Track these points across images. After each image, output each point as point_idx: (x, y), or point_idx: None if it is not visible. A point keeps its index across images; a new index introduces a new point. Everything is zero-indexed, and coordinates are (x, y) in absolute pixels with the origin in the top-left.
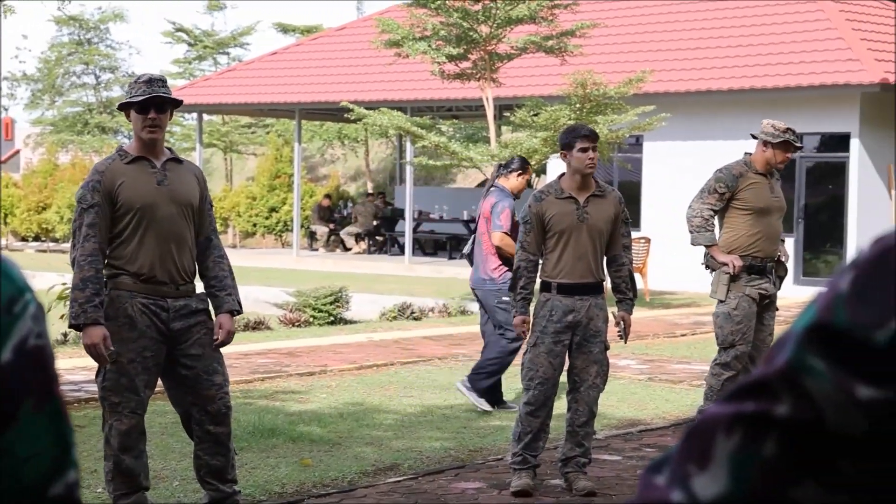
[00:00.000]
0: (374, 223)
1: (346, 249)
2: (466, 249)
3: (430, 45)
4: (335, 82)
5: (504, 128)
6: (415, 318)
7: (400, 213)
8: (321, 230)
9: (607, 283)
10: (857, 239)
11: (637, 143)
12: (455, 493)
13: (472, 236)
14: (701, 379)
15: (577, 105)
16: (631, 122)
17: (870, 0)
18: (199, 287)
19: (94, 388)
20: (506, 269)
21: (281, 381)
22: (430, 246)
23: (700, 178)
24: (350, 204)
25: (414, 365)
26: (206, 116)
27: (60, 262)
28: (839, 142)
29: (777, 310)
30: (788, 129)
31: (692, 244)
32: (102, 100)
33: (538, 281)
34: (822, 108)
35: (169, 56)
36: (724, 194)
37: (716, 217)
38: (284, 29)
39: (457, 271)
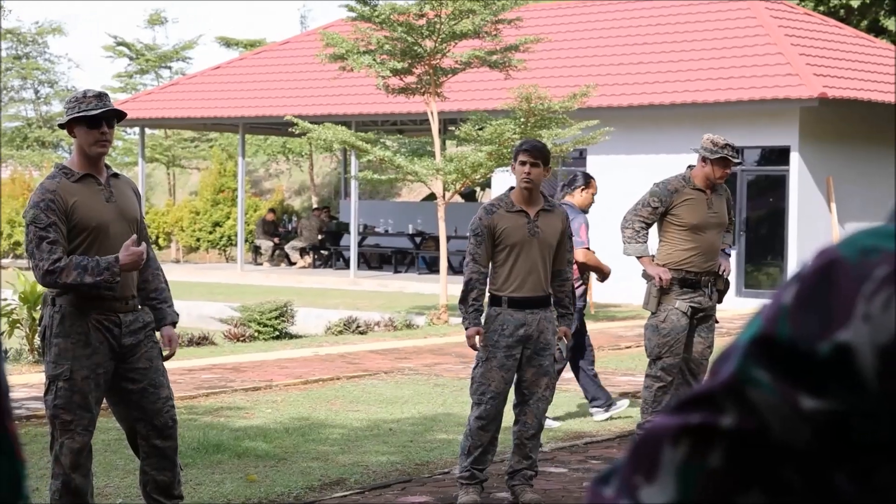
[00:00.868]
0: (319, 237)
1: (291, 264)
2: None
3: (374, 59)
4: (279, 96)
5: (449, 142)
6: (360, 333)
7: (345, 227)
8: (266, 244)
9: None
10: (798, 251)
11: (581, 157)
12: None
13: None
14: None
15: (522, 119)
16: (575, 136)
17: (809, 16)
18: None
19: (36, 405)
20: (580, 281)
21: (226, 397)
22: (376, 260)
23: (643, 192)
24: (294, 218)
25: (360, 379)
26: (148, 130)
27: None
28: (779, 155)
29: (717, 322)
30: (727, 144)
31: (623, 254)
32: (42, 114)
33: (487, 294)
34: (762, 122)
35: (110, 70)
36: (657, 208)
37: (648, 229)
38: (227, 43)
39: (402, 285)
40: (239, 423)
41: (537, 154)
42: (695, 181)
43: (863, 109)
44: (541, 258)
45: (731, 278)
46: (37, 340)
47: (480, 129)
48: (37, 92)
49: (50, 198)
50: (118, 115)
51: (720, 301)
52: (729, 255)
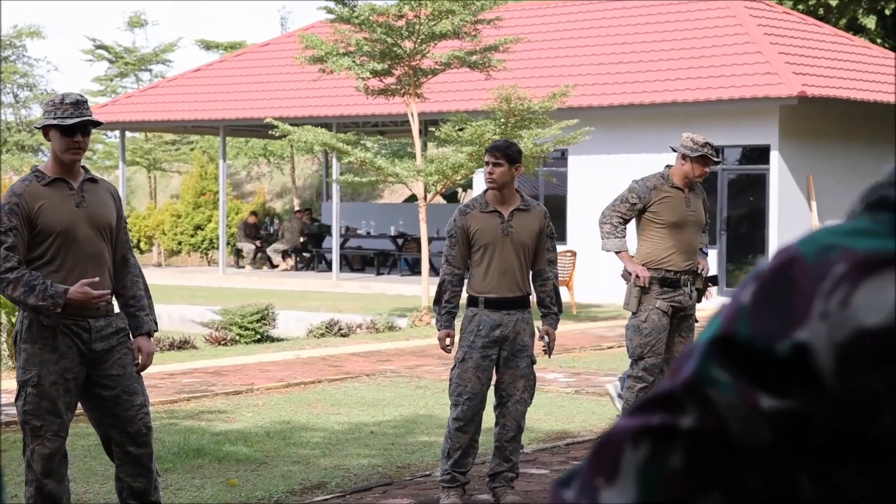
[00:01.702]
0: (301, 240)
1: (273, 266)
2: None
3: (354, 61)
4: (260, 98)
5: (429, 143)
6: (342, 335)
7: (327, 230)
8: (247, 247)
9: (534, 297)
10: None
11: (562, 157)
12: None
13: None
14: None
15: (502, 120)
16: (555, 136)
17: (787, 14)
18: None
19: (14, 411)
20: None
21: (207, 401)
22: (358, 262)
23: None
24: (276, 221)
25: (341, 382)
26: (128, 134)
27: None
28: (759, 154)
29: (697, 322)
30: (707, 143)
31: (602, 249)
32: (21, 118)
33: (464, 295)
34: (742, 121)
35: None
36: (635, 205)
37: (626, 225)
38: (207, 45)
39: (384, 287)
40: (220, 427)
41: (499, 154)
42: (673, 179)
43: (842, 107)
44: (516, 258)
45: None
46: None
47: (460, 129)
48: (15, 96)
49: (15, 201)
50: (94, 124)
51: (699, 300)
52: (707, 255)
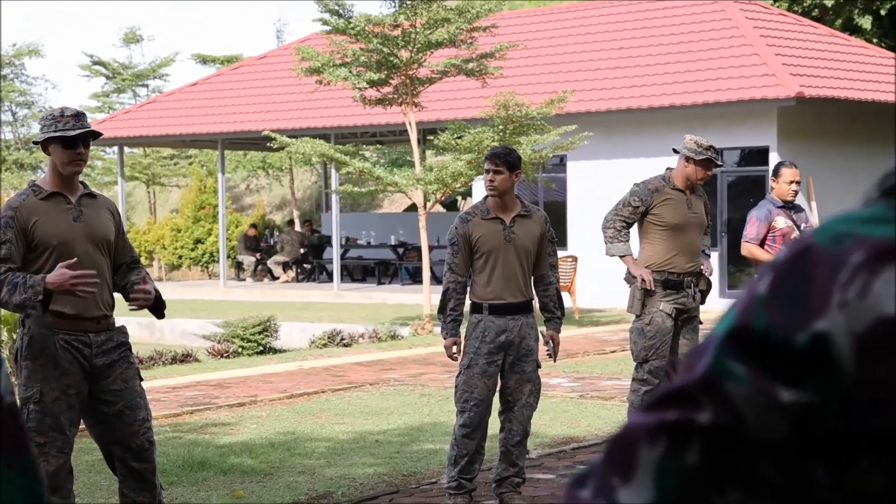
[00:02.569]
0: (302, 251)
1: (274, 278)
2: None
3: (350, 71)
4: (257, 111)
5: (428, 152)
6: (345, 345)
7: (327, 241)
8: (248, 260)
9: (536, 302)
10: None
11: (561, 163)
12: None
13: None
14: None
15: (501, 127)
16: (554, 142)
17: (783, 16)
18: (119, 320)
19: None
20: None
21: (210, 413)
22: (359, 272)
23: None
24: (276, 233)
25: (345, 392)
26: (127, 149)
27: None
28: (758, 156)
29: (701, 324)
30: (711, 146)
31: (606, 254)
32: (20, 136)
33: (468, 302)
34: (740, 123)
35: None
36: (637, 208)
37: (629, 229)
38: (204, 60)
39: (385, 296)
40: (224, 439)
41: (499, 161)
42: (675, 181)
43: (840, 108)
44: (519, 264)
45: (714, 279)
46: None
47: (459, 137)
48: (14, 114)
49: (10, 214)
50: (94, 135)
51: (703, 302)
52: (709, 256)
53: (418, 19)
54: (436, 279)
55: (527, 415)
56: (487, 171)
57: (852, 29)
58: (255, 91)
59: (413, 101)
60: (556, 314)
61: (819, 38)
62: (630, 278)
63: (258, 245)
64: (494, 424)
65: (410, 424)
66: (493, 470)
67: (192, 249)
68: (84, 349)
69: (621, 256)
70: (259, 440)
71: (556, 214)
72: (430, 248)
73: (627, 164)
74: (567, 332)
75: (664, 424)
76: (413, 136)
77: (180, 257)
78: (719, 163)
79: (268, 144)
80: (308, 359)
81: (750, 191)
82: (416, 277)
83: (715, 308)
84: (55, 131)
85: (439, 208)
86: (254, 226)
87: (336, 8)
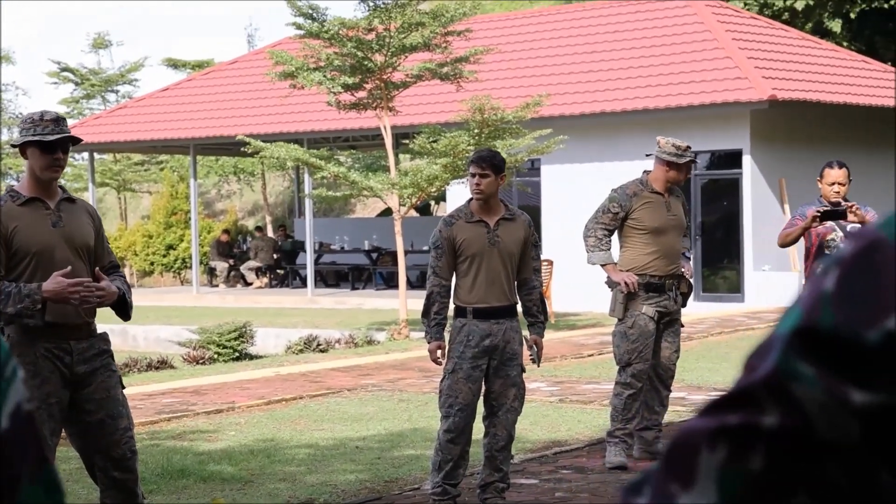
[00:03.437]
0: (275, 256)
1: (247, 284)
2: None
3: (324, 76)
4: (230, 116)
5: (403, 156)
6: (321, 350)
7: (301, 246)
8: (221, 266)
9: (519, 307)
10: (753, 254)
11: (533, 168)
12: None
13: None
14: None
15: (476, 130)
16: (529, 146)
17: (755, 19)
18: (100, 327)
19: None
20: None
21: (188, 421)
22: (333, 277)
23: (599, 200)
24: (249, 238)
25: (323, 397)
26: (97, 155)
27: None
28: (731, 159)
29: (683, 326)
30: (688, 146)
31: (588, 263)
32: None
33: (452, 306)
34: (713, 126)
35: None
36: (617, 214)
37: (611, 236)
38: (174, 64)
39: (360, 301)
40: (203, 446)
41: (485, 164)
42: (653, 185)
43: (812, 110)
44: (503, 267)
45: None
46: None
47: (434, 141)
48: None
49: None
50: (73, 141)
51: (684, 304)
52: (689, 259)
53: (392, 23)
54: (410, 284)
55: (511, 419)
56: (473, 175)
57: (822, 32)
58: (227, 96)
59: (388, 106)
60: (539, 318)
61: (791, 42)
62: (612, 282)
63: (231, 251)
64: (479, 429)
65: (391, 430)
66: (477, 475)
67: (164, 255)
68: (65, 357)
69: (603, 265)
70: (238, 447)
71: (531, 218)
72: (405, 253)
73: (601, 168)
74: (544, 337)
75: (726, 428)
76: (388, 140)
77: (152, 263)
78: (696, 161)
79: (242, 149)
80: (284, 365)
81: (723, 194)
82: (390, 282)
83: (689, 312)
84: (34, 135)
85: (413, 213)
86: (226, 231)
87: (309, 12)
